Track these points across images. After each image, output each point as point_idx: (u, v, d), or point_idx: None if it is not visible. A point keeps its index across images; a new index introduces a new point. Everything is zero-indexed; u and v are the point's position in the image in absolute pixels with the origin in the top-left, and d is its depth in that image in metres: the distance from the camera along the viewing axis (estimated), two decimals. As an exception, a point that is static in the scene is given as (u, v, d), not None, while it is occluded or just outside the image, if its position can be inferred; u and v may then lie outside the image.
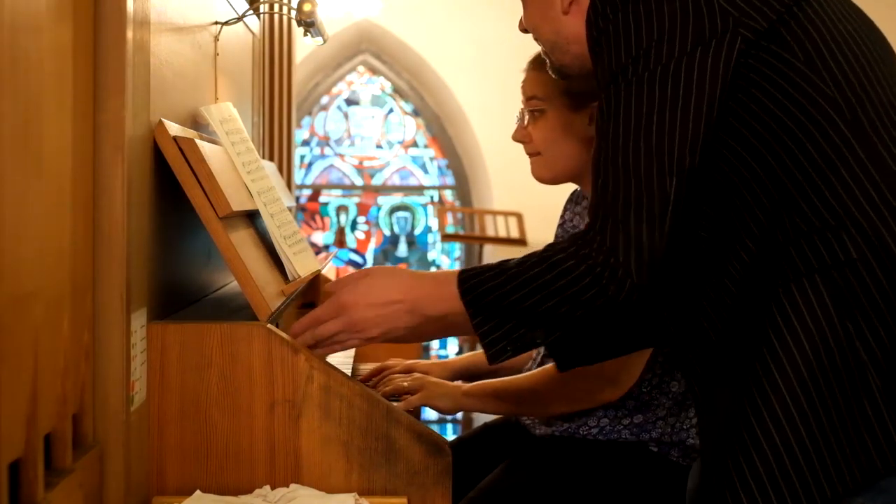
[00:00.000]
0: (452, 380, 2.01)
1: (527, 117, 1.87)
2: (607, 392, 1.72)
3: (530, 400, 1.78)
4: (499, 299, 1.35)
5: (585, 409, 1.77)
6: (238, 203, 1.66)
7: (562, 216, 2.03)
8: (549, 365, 1.81)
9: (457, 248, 6.22)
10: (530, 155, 1.89)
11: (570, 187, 2.08)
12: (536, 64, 1.87)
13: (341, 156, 6.13)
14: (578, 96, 1.82)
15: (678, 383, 1.76)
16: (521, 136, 1.88)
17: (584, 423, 1.78)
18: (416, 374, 1.88)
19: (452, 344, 6.17)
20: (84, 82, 1.35)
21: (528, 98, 1.87)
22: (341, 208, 6.16)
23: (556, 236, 2.01)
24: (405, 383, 1.80)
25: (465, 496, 1.76)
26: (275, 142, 3.23)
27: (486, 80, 5.58)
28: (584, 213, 1.97)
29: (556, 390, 1.75)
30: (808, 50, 1.30)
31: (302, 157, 6.06)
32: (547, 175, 1.88)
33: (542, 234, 5.38)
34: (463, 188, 6.14)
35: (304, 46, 4.57)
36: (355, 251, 6.18)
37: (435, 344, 6.17)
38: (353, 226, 6.18)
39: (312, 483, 1.55)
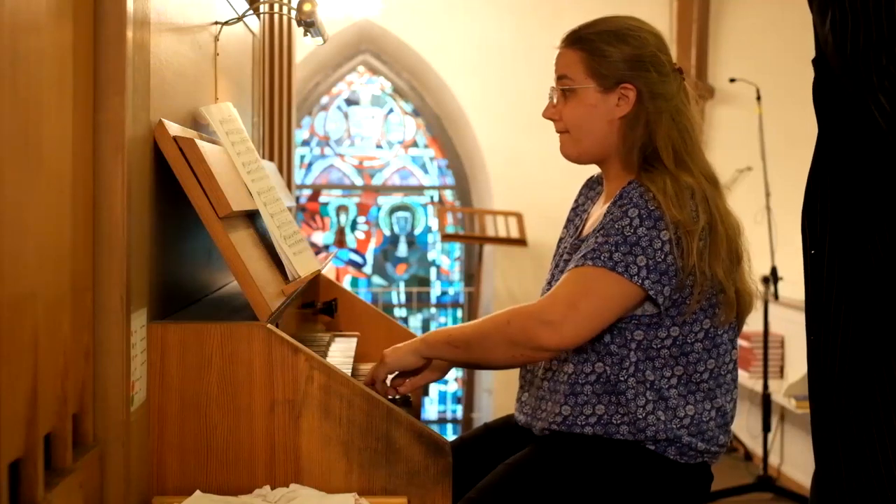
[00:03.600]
0: (446, 369, 2.02)
1: (557, 95, 1.88)
2: (546, 337, 1.71)
3: (477, 344, 1.79)
4: None
5: (528, 357, 1.77)
6: (238, 203, 1.66)
7: (575, 200, 2.05)
8: (501, 311, 1.82)
9: (457, 248, 6.21)
10: (559, 133, 1.90)
11: (568, 186, 2.08)
12: (569, 42, 1.87)
13: (341, 156, 6.13)
14: (608, 78, 1.83)
15: (652, 372, 1.77)
16: (550, 113, 1.90)
17: (580, 412, 1.79)
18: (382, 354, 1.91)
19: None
20: (84, 82, 1.35)
21: (559, 77, 1.88)
22: (341, 208, 6.16)
23: (567, 220, 2.03)
24: (377, 362, 1.84)
25: (464, 497, 1.76)
26: (275, 142, 3.23)
27: (486, 81, 5.58)
28: (597, 199, 1.98)
29: (499, 332, 1.76)
30: None
31: (302, 157, 6.05)
32: (573, 153, 1.90)
33: (542, 233, 5.38)
34: (463, 188, 6.14)
35: (304, 46, 4.56)
36: (355, 251, 6.17)
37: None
38: (353, 226, 6.17)
39: (312, 483, 1.55)
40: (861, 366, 1.38)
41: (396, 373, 1.91)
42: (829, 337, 1.41)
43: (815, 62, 1.43)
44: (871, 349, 1.37)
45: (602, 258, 1.72)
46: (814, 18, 1.38)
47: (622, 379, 1.76)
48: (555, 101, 1.89)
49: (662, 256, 1.71)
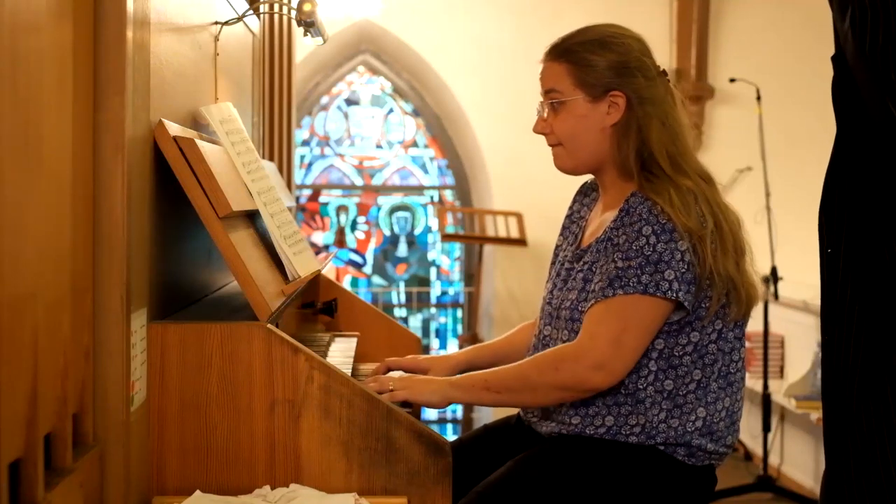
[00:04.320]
0: (454, 374, 2.01)
1: (546, 109, 1.88)
2: (597, 378, 1.72)
3: (521, 389, 1.78)
4: None
5: (577, 397, 1.77)
6: (238, 203, 1.66)
7: (570, 207, 2.04)
8: (541, 353, 1.81)
9: (457, 248, 6.21)
10: (552, 146, 1.89)
11: (568, 186, 2.08)
12: (554, 55, 1.87)
13: (341, 156, 6.13)
14: (596, 87, 1.83)
15: (672, 381, 1.77)
16: (541, 128, 1.89)
17: (590, 422, 1.79)
18: (403, 374, 1.89)
19: (453, 345, 6.17)
20: (84, 82, 1.35)
21: (547, 91, 1.87)
22: (341, 208, 6.15)
23: (563, 227, 2.02)
24: (390, 383, 1.81)
25: (472, 490, 1.76)
26: (275, 142, 3.23)
27: (486, 81, 5.57)
28: (593, 205, 1.98)
29: (546, 378, 1.75)
30: None
31: (302, 157, 6.04)
32: (569, 165, 1.89)
33: (542, 233, 5.38)
34: (463, 188, 6.14)
35: (304, 46, 4.56)
36: (355, 251, 6.17)
37: (435, 343, 6.17)
38: (353, 226, 6.17)
39: (312, 483, 1.55)
40: (873, 365, 1.38)
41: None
42: (843, 336, 1.41)
43: (834, 59, 1.42)
44: (883, 349, 1.37)
45: (632, 283, 1.72)
46: (833, 15, 1.38)
47: (641, 387, 1.76)
48: (545, 115, 1.88)
49: (686, 266, 1.72)
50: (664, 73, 1.88)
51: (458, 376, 1.85)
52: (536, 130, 1.90)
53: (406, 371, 1.98)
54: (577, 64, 1.83)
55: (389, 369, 1.98)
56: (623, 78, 1.82)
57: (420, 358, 2.03)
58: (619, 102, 1.82)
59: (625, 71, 1.82)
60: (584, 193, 2.03)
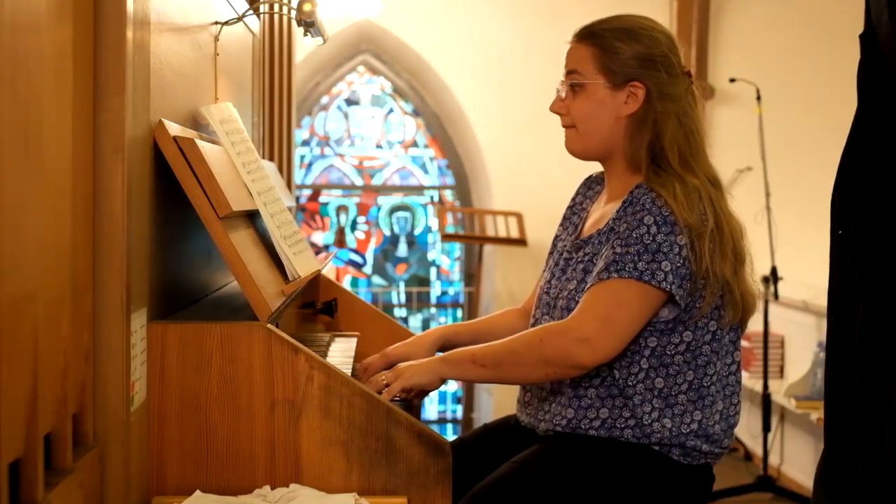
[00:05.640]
0: (432, 352, 1.99)
1: (565, 90, 1.88)
2: (583, 354, 1.71)
3: (508, 363, 1.78)
4: None
5: (563, 374, 1.76)
6: (238, 203, 1.66)
7: (573, 199, 2.04)
8: (528, 330, 1.81)
9: (457, 248, 6.21)
10: (565, 127, 1.90)
11: (568, 185, 2.08)
12: (581, 37, 1.87)
13: (341, 156, 6.13)
14: (618, 75, 1.83)
15: (662, 380, 1.77)
16: (557, 107, 1.90)
17: (584, 415, 1.79)
18: (397, 366, 1.88)
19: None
20: (84, 82, 1.35)
21: (569, 71, 1.88)
22: (341, 208, 6.15)
23: (564, 217, 2.02)
24: (383, 378, 1.80)
25: (468, 493, 1.76)
26: (275, 142, 3.23)
27: (486, 80, 5.58)
28: (597, 198, 1.98)
29: (532, 352, 1.75)
30: None
31: (302, 157, 6.05)
32: (578, 148, 1.89)
33: (542, 233, 5.38)
34: (463, 188, 6.14)
35: (304, 46, 4.56)
36: (355, 251, 6.17)
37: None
38: (353, 226, 6.17)
39: (312, 483, 1.55)
40: (877, 349, 1.37)
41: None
42: (849, 319, 1.40)
43: (862, 37, 1.41)
44: (889, 333, 1.36)
45: (627, 269, 1.72)
46: None
47: (630, 384, 1.76)
48: (563, 95, 1.89)
49: (681, 261, 1.72)
50: (689, 73, 1.88)
51: (448, 352, 1.85)
52: (552, 109, 1.91)
53: (384, 369, 1.97)
54: (602, 49, 1.84)
55: (366, 370, 1.97)
56: (646, 70, 1.82)
57: (397, 348, 1.99)
58: (639, 94, 1.82)
59: (649, 63, 1.82)
60: (589, 186, 2.03)
